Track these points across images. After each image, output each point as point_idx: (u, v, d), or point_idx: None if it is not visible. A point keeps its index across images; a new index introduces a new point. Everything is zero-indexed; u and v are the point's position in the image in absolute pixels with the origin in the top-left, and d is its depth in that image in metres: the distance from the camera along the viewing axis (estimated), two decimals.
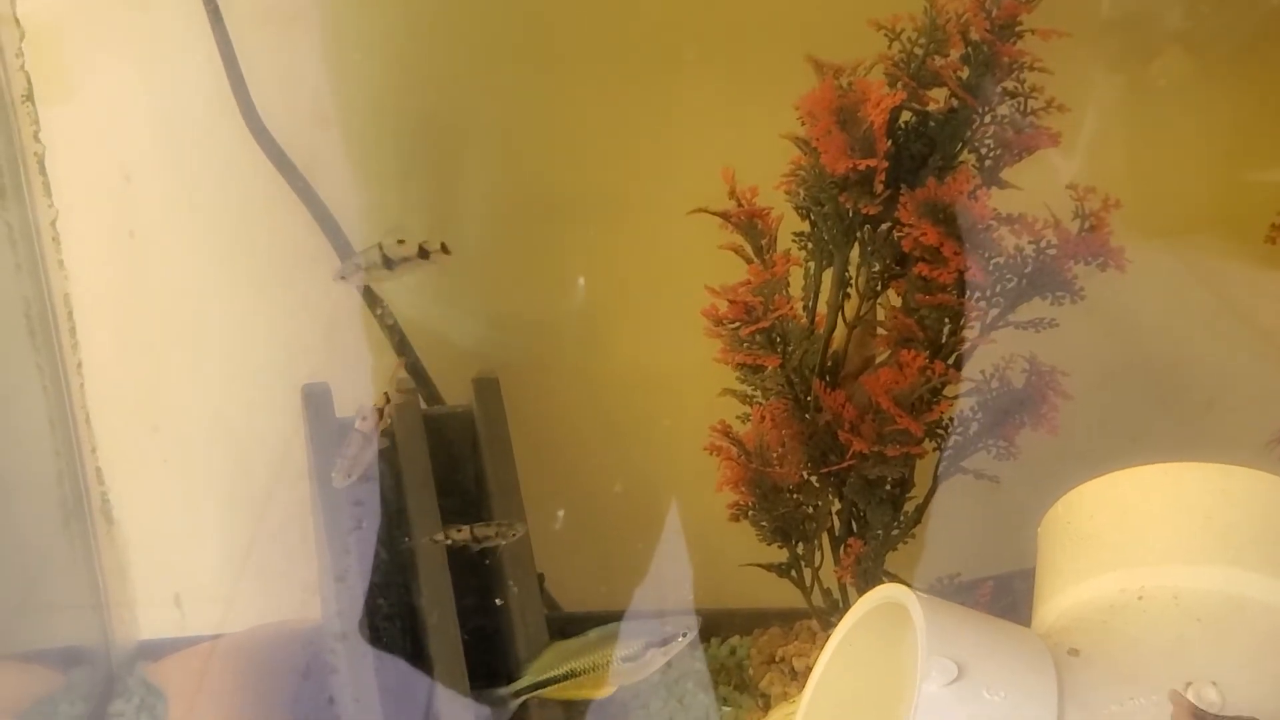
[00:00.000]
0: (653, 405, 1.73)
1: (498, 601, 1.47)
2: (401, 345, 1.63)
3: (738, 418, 1.55)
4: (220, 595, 1.70)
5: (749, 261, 1.48)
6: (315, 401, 1.49)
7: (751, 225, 1.48)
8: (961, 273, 1.34)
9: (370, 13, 1.58)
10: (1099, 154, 1.62)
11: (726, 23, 1.59)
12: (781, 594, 1.61)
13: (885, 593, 1.25)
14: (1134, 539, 1.29)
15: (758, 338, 1.45)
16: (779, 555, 1.56)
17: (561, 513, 1.68)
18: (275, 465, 1.64)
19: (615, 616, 1.73)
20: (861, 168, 1.33)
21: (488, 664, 1.45)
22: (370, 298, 1.62)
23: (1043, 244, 1.41)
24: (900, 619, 1.24)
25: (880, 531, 1.51)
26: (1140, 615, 1.24)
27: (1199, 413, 1.73)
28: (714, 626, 1.78)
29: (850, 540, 1.50)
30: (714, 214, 1.48)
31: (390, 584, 1.47)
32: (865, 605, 1.28)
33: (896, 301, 1.48)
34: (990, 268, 1.41)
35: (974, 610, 1.23)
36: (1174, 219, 1.65)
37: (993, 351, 1.49)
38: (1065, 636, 1.26)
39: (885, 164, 1.33)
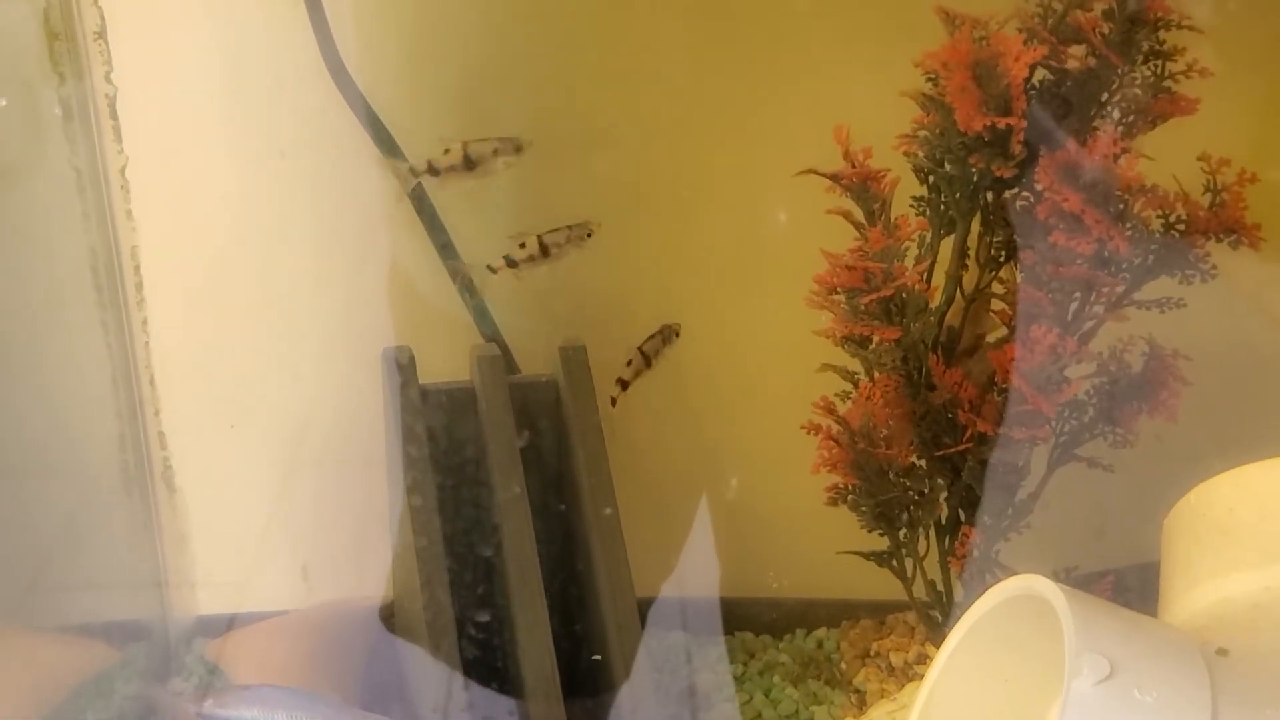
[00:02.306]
0: (739, 382, 1.65)
1: (585, 582, 1.39)
2: (481, 314, 1.55)
3: (836, 396, 1.47)
4: (286, 569, 1.62)
5: (858, 227, 1.41)
6: (399, 367, 1.40)
7: (864, 189, 1.40)
8: (1102, 243, 1.25)
9: None
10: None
11: None
12: (870, 584, 1.53)
13: (1020, 584, 1.16)
14: (1277, 533, 1.21)
15: (874, 308, 1.37)
16: (871, 542, 1.48)
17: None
18: (349, 433, 1.55)
19: (698, 603, 1.67)
20: (1001, 126, 1.24)
21: (573, 649, 1.38)
22: (453, 265, 1.53)
23: (1172, 218, 1.33)
24: (1032, 612, 1.16)
25: (991, 520, 1.43)
26: None
27: None
28: (798, 617, 1.69)
29: (965, 528, 1.41)
30: (825, 175, 1.40)
31: (471, 561, 1.38)
32: (996, 596, 1.19)
33: (1018, 275, 1.40)
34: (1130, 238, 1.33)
35: (1118, 606, 1.15)
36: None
37: (1107, 332, 1.41)
38: (1206, 635, 1.17)
39: (1024, 123, 1.25)
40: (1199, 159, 1.34)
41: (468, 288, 1.55)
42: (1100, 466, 1.43)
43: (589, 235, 1.50)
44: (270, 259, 1.55)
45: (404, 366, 1.41)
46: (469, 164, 1.45)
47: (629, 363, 1.55)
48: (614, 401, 1.55)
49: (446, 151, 1.45)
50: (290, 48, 1.46)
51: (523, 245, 1.49)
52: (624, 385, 1.55)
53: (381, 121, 1.49)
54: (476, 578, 1.41)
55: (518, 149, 1.46)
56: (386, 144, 1.49)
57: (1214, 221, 1.34)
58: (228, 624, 1.61)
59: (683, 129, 1.55)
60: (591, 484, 1.40)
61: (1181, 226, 1.34)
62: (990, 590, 1.21)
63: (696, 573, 1.64)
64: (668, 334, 1.56)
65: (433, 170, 1.46)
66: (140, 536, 1.60)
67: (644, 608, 1.58)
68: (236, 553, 1.64)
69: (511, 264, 1.49)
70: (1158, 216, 1.34)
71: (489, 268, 1.50)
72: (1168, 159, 1.34)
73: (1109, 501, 1.51)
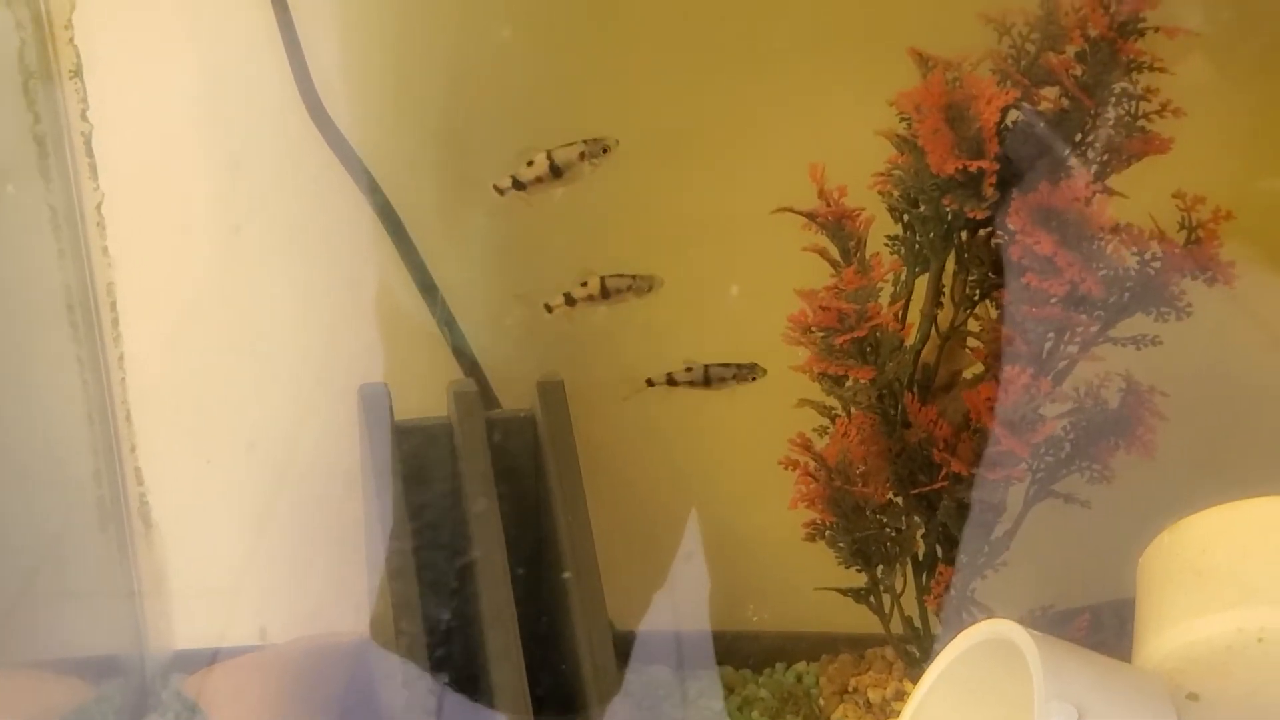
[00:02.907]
0: (720, 415, 1.64)
1: (560, 616, 1.38)
2: (460, 346, 1.55)
3: (814, 430, 1.47)
4: (264, 605, 1.62)
5: (833, 265, 1.41)
6: (373, 403, 1.40)
7: (839, 227, 1.40)
8: (1074, 285, 1.25)
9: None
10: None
11: (815, 12, 1.51)
12: (850, 619, 1.53)
13: (991, 629, 1.17)
14: (1253, 575, 1.21)
15: (849, 347, 1.37)
16: (849, 577, 1.48)
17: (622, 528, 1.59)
18: (325, 469, 1.55)
19: (680, 638, 1.66)
20: (972, 169, 1.24)
21: (550, 684, 1.37)
22: (430, 295, 1.53)
23: (1147, 256, 1.34)
24: (1003, 655, 1.16)
25: (969, 557, 1.43)
26: (1261, 659, 1.15)
27: None
28: (777, 651, 1.69)
29: (941, 567, 1.41)
30: (800, 214, 1.40)
31: (447, 597, 1.38)
32: (966, 641, 1.19)
33: (992, 312, 1.40)
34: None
35: (1087, 649, 1.15)
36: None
37: (1083, 369, 1.41)
38: (1178, 678, 1.17)
39: (996, 166, 1.25)
40: (1174, 196, 1.35)
41: (448, 321, 1.55)
42: (1078, 502, 1.43)
43: (649, 289, 1.49)
44: (247, 295, 1.55)
45: (379, 402, 1.40)
46: (556, 172, 1.43)
47: (688, 369, 1.51)
48: (650, 383, 1.51)
49: (530, 164, 1.43)
50: (268, 85, 1.46)
51: (584, 284, 1.48)
52: (672, 380, 1.51)
53: (359, 159, 1.49)
54: (452, 615, 1.40)
55: (604, 149, 1.43)
56: (365, 181, 1.49)
57: (1189, 259, 1.35)
58: (205, 660, 1.60)
59: (664, 165, 1.55)
60: (568, 521, 1.40)
61: (1157, 264, 1.35)
62: (962, 634, 1.21)
63: (678, 607, 1.64)
64: (744, 373, 1.52)
65: (518, 184, 1.43)
66: (117, 571, 1.59)
67: (626, 642, 1.60)
68: (213, 588, 1.63)
69: (570, 302, 1.48)
70: (1133, 255, 1.36)
71: (546, 306, 1.49)
72: (1151, 190, 1.35)
73: (1088, 537, 1.51)
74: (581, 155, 1.43)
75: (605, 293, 1.49)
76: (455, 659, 1.40)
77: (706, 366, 1.50)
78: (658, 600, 1.64)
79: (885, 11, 1.48)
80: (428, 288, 1.53)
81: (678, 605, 1.64)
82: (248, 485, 1.60)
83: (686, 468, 1.67)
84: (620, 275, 1.49)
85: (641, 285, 1.50)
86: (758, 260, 1.53)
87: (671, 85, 1.53)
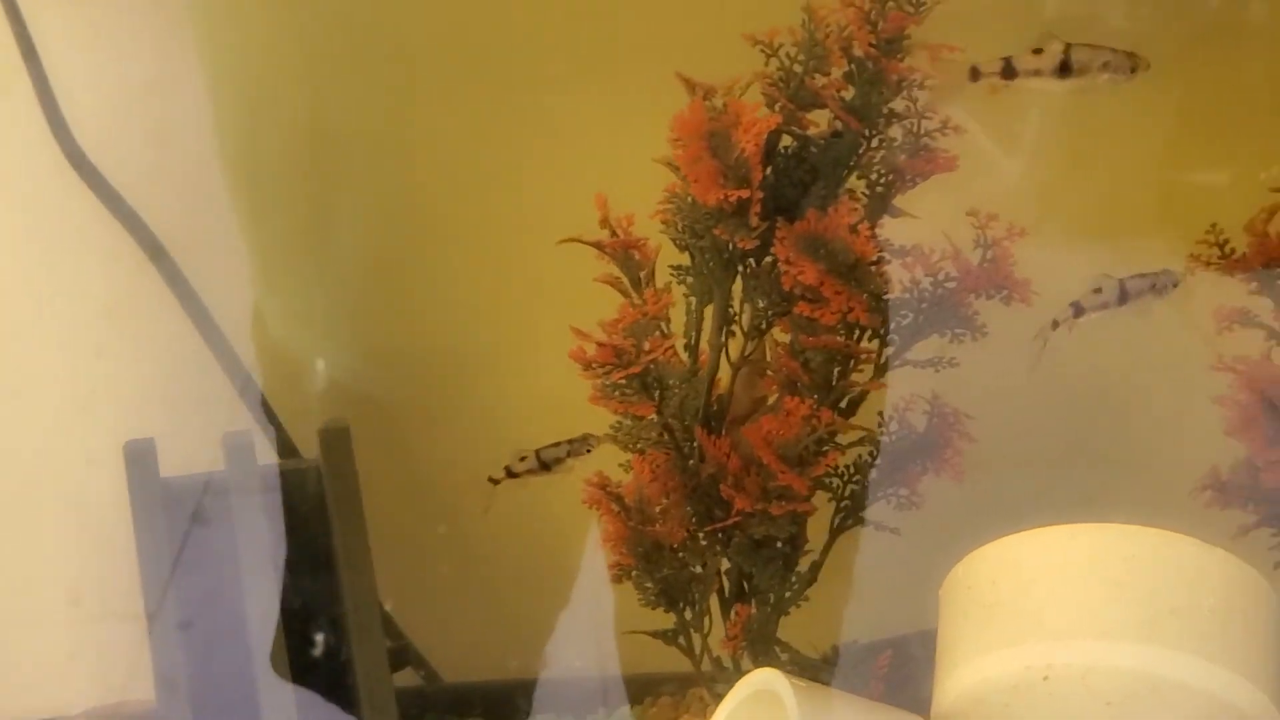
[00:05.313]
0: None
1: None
2: (246, 388, 1.49)
3: (620, 465, 1.43)
4: (36, 669, 1.54)
5: (626, 296, 1.37)
6: (138, 460, 1.34)
7: (628, 257, 1.36)
8: (845, 314, 1.21)
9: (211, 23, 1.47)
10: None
11: (602, 36, 1.47)
12: (673, 658, 1.49)
13: (760, 678, 1.13)
14: (1039, 609, 1.16)
15: (631, 383, 1.33)
16: (661, 618, 1.43)
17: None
18: (94, 529, 1.48)
19: (503, 687, 1.62)
20: (733, 199, 1.20)
21: None
22: (211, 333, 1.48)
23: (940, 276, 1.31)
24: (778, 705, 1.12)
25: (774, 594, 1.39)
26: (1046, 698, 1.11)
27: (1124, 455, 1.61)
28: (600, 696, 1.64)
29: (738, 606, 1.37)
30: (587, 244, 1.36)
31: (216, 656, 1.32)
32: (740, 692, 1.15)
33: (786, 339, 1.36)
34: (883, 304, 1.29)
35: (858, 697, 1.11)
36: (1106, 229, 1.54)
37: (898, 392, 1.38)
38: None
39: (760, 194, 1.21)
40: (968, 214, 1.32)
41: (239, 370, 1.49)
42: (887, 530, 1.40)
43: (589, 450, 1.42)
44: (7, 346, 1.49)
45: (142, 458, 1.34)
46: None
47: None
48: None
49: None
50: (23, 138, 1.40)
51: (522, 459, 1.43)
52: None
53: (130, 207, 1.44)
54: (221, 673, 1.34)
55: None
56: (134, 226, 1.44)
57: (984, 278, 1.32)
58: None
59: (451, 198, 1.52)
60: (350, 578, 1.34)
61: (951, 284, 1.32)
62: (739, 682, 1.17)
63: (492, 655, 1.59)
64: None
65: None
66: None
67: (449, 696, 1.57)
68: None
69: (512, 475, 1.43)
70: (927, 276, 1.32)
71: (490, 479, 1.44)
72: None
73: (902, 565, 1.48)
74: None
75: (544, 464, 1.42)
76: None
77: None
78: (474, 651, 1.60)
79: (670, 35, 1.44)
80: (211, 334, 1.48)
81: (494, 654, 1.60)
82: (18, 548, 1.52)
83: (500, 507, 1.63)
84: (556, 444, 1.42)
85: (579, 449, 1.42)
86: (567, 287, 1.50)
87: (469, 112, 1.50)
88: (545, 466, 1.43)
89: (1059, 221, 1.48)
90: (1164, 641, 1.10)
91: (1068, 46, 1.29)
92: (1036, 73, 1.28)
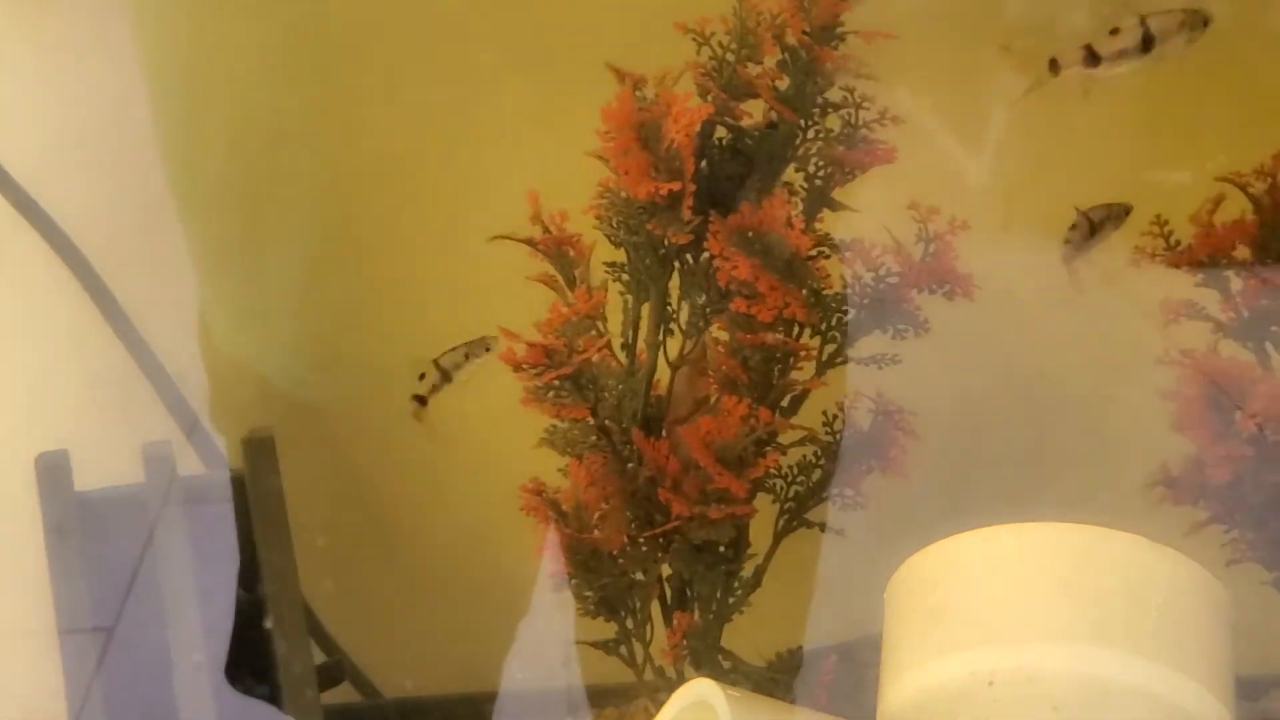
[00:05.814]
0: (468, 459, 1.55)
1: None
2: (171, 398, 1.44)
3: (559, 470, 1.39)
4: None
5: (560, 294, 1.33)
6: (50, 473, 1.28)
7: (561, 254, 1.32)
8: (781, 310, 1.18)
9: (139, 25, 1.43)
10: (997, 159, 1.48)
11: (533, 27, 1.43)
12: (618, 668, 1.45)
13: (695, 690, 1.09)
14: (982, 612, 1.12)
15: (565, 384, 1.29)
16: (602, 627, 1.39)
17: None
18: (5, 546, 1.43)
19: (445, 701, 1.57)
20: (665, 192, 1.16)
21: None
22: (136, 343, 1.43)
23: (881, 271, 1.27)
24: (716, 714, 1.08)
25: (717, 600, 1.35)
26: (992, 704, 1.07)
27: (1076, 449, 1.58)
28: (549, 708, 1.60)
29: (678, 614, 1.33)
30: (518, 241, 1.32)
31: (139, 688, 1.27)
32: (676, 704, 1.11)
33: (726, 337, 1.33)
34: (823, 300, 1.26)
35: (797, 707, 1.07)
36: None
37: (842, 390, 1.35)
38: None
39: (693, 187, 1.17)
40: (909, 208, 1.29)
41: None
42: (834, 531, 1.36)
43: (487, 350, 1.39)
44: None
45: (54, 471, 1.29)
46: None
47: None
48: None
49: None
50: None
51: (422, 376, 1.39)
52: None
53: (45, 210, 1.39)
54: (137, 690, 1.29)
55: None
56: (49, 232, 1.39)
57: (925, 274, 1.29)
58: None
59: (383, 198, 1.48)
60: (274, 589, 1.29)
61: (893, 280, 1.29)
62: (675, 693, 1.13)
63: (434, 669, 1.55)
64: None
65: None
66: None
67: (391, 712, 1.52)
68: None
69: (422, 401, 1.40)
70: (869, 272, 1.29)
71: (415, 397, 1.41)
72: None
73: (849, 568, 1.44)
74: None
75: (444, 373, 1.39)
76: None
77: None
78: (426, 665, 1.56)
79: (604, 25, 1.41)
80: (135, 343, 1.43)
81: (445, 668, 1.56)
82: None
83: (441, 520, 1.59)
84: (454, 349, 1.39)
85: (477, 349, 1.40)
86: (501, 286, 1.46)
87: (397, 106, 1.46)
88: (447, 376, 1.39)
89: (1017, 217, 1.46)
90: (1111, 643, 1.06)
91: (1143, 19, 1.24)
92: (1121, 53, 1.24)
